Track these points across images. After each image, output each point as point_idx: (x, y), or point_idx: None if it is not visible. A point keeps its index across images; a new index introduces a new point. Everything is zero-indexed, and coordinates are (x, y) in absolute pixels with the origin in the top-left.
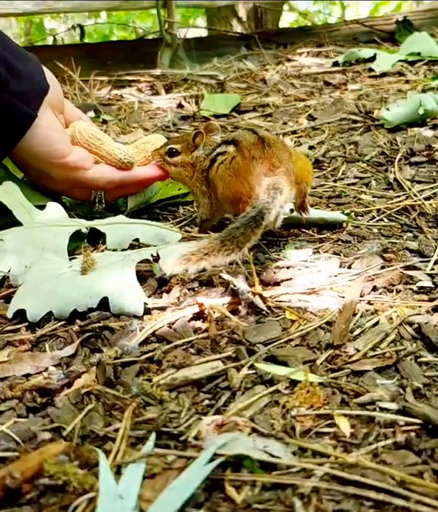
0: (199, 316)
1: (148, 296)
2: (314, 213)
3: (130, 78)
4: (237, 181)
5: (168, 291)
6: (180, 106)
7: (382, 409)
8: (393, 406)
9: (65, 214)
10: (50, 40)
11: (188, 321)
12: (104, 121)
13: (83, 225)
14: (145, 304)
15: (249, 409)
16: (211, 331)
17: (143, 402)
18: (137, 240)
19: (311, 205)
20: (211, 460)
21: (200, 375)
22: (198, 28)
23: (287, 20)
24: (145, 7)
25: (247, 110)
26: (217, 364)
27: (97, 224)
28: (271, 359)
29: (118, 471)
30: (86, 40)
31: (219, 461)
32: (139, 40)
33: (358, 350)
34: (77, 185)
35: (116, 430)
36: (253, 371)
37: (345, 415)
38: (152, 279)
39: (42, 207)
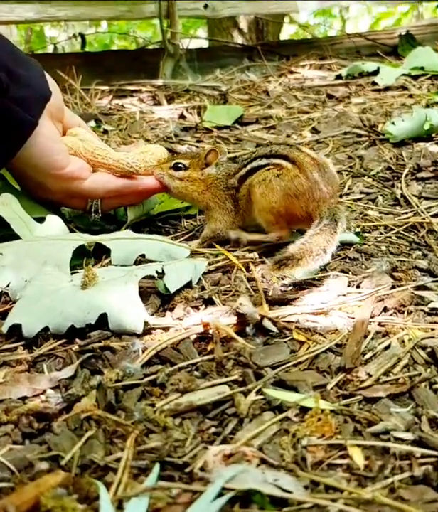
0: (204, 336)
1: (151, 314)
2: None
3: (131, 88)
4: (294, 203)
5: (171, 310)
6: (182, 117)
7: (396, 440)
8: (408, 436)
9: (65, 227)
10: (50, 49)
11: (193, 342)
12: (105, 132)
13: (87, 239)
14: (146, 322)
15: (257, 438)
16: (217, 352)
17: (146, 428)
18: (143, 255)
19: None
20: (219, 494)
21: (205, 400)
22: (199, 39)
23: (287, 32)
24: (147, 17)
25: (250, 122)
26: (223, 388)
27: (102, 239)
28: (280, 384)
29: (120, 506)
30: (86, 49)
31: (227, 498)
32: (140, 50)
33: (370, 375)
34: (74, 195)
35: (118, 460)
36: (261, 396)
37: (358, 446)
38: (155, 296)
39: (40, 219)
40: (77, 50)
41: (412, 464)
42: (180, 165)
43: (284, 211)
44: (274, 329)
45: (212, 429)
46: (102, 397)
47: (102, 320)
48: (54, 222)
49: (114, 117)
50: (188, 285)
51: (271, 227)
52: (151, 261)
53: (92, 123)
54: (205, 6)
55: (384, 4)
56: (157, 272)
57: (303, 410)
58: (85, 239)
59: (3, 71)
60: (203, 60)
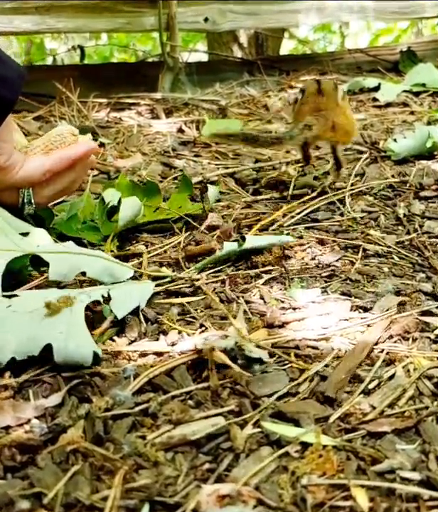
0: (199, 362)
1: (141, 338)
2: (252, 241)
3: (130, 101)
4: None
5: (165, 333)
6: (180, 130)
7: (403, 480)
8: (415, 476)
9: (51, 240)
10: (49, 61)
11: (187, 368)
12: (102, 145)
13: (25, 250)
14: (95, 353)
15: (255, 476)
16: (212, 380)
17: (136, 464)
18: (84, 273)
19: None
20: None
21: (199, 434)
22: (198, 53)
23: (286, 47)
24: (147, 29)
25: None
26: (218, 420)
27: (41, 251)
28: (279, 416)
29: None
30: (86, 62)
31: None
32: (139, 63)
33: (374, 407)
34: (6, 188)
35: (105, 498)
36: (258, 429)
37: (362, 486)
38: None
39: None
40: (76, 63)
41: (419, 507)
42: None
43: None
44: (268, 360)
45: (206, 466)
46: (89, 428)
47: (46, 350)
48: (39, 236)
49: (112, 130)
50: (135, 312)
51: None
52: (92, 279)
53: (89, 136)
54: (206, 20)
55: (384, 20)
56: (103, 296)
57: (304, 444)
58: (22, 250)
59: None
60: (202, 74)
